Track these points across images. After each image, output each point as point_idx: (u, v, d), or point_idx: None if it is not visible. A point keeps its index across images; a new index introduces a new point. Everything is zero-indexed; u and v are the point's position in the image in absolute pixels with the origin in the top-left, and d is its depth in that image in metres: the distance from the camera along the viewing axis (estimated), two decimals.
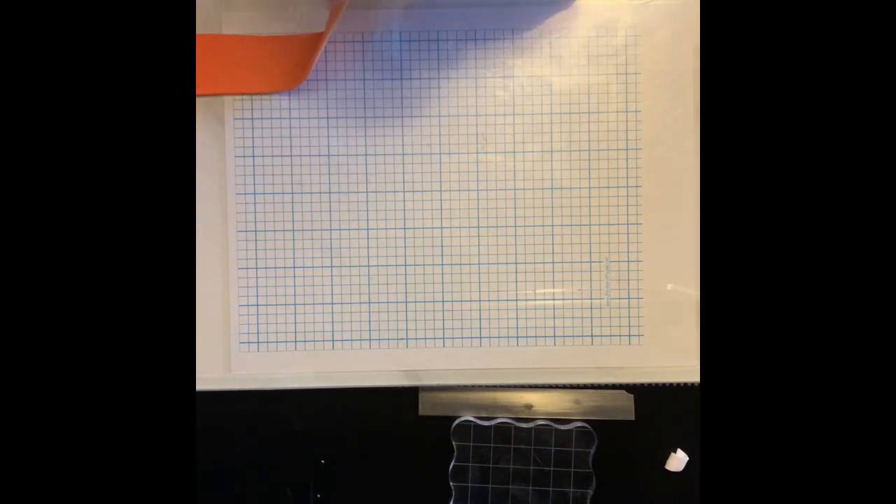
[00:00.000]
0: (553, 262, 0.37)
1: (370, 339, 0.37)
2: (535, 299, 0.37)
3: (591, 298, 0.37)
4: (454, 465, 0.38)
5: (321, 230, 0.37)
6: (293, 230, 0.37)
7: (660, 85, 0.37)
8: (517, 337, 0.37)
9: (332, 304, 0.37)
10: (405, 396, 0.38)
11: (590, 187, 0.37)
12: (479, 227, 0.37)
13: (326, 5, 0.37)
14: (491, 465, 0.38)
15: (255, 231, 0.37)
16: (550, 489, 0.38)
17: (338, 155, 0.37)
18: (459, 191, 0.37)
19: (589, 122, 0.37)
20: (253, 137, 0.37)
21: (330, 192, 0.37)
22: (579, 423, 0.38)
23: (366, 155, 0.37)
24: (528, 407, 0.38)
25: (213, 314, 0.37)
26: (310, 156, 0.37)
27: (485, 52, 0.37)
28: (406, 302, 0.37)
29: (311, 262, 0.37)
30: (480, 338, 0.37)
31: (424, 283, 0.37)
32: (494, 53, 0.37)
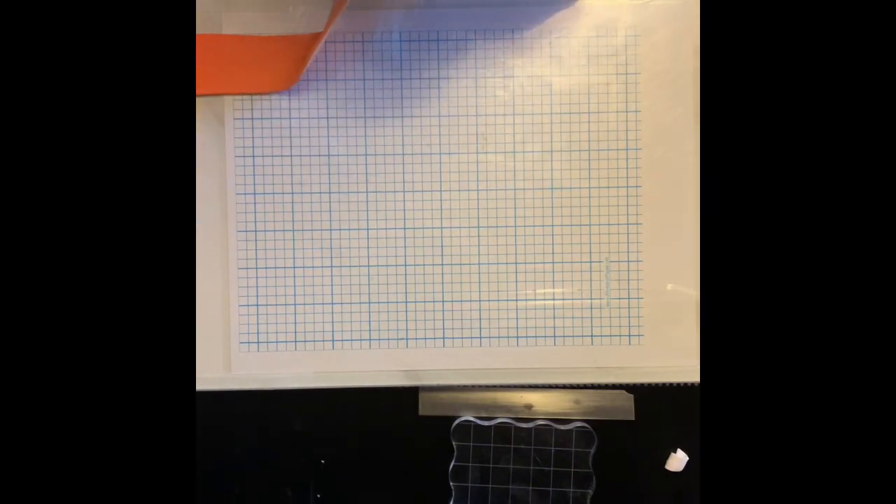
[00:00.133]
0: (553, 262, 0.37)
1: (370, 339, 0.37)
2: (535, 299, 0.37)
3: (591, 298, 0.37)
4: (454, 465, 0.38)
5: (321, 230, 0.37)
6: (293, 230, 0.37)
7: (660, 85, 0.37)
8: (517, 337, 0.37)
9: (332, 304, 0.37)
10: (405, 396, 0.38)
11: (590, 187, 0.37)
12: (479, 227, 0.37)
13: (326, 5, 0.37)
14: (491, 465, 0.38)
15: (255, 231, 0.37)
16: (550, 489, 0.38)
17: (338, 155, 0.37)
18: (459, 191, 0.37)
19: (589, 122, 0.37)
20: (253, 137, 0.37)
21: (330, 192, 0.37)
22: (579, 423, 0.38)
23: (366, 155, 0.37)
24: (528, 407, 0.38)
25: (213, 314, 0.37)
26: (310, 156, 0.37)
27: (485, 52, 0.37)
28: (406, 302, 0.37)
29: (311, 262, 0.37)
30: (480, 338, 0.37)
31: (424, 283, 0.37)
32: (494, 53, 0.37)
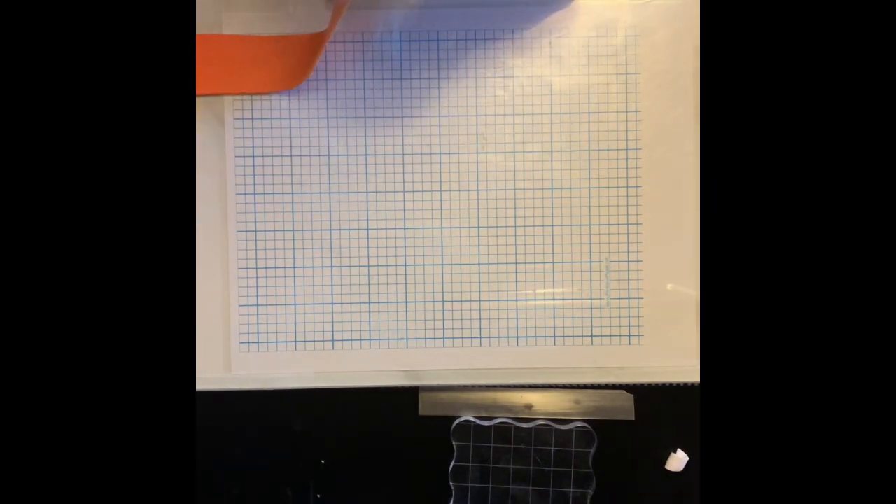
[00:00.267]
0: (553, 262, 0.37)
1: (370, 339, 0.37)
2: (535, 299, 0.37)
3: (591, 298, 0.37)
4: (454, 465, 0.38)
5: (321, 230, 0.37)
6: (293, 230, 0.37)
7: (660, 85, 0.37)
8: (517, 337, 0.37)
9: (332, 304, 0.37)
10: (405, 396, 0.38)
11: (590, 187, 0.37)
12: (479, 227, 0.37)
13: (327, 5, 0.37)
14: (491, 465, 0.38)
15: (255, 231, 0.37)
16: (550, 489, 0.38)
17: (338, 155, 0.37)
18: (459, 191, 0.37)
19: (589, 122, 0.37)
20: (253, 137, 0.37)
21: (330, 192, 0.37)
22: (579, 423, 0.38)
23: (366, 155, 0.37)
24: (528, 407, 0.38)
25: (213, 314, 0.37)
26: (310, 156, 0.37)
27: (485, 52, 0.37)
28: (406, 302, 0.37)
29: (311, 262, 0.37)
30: (480, 338, 0.37)
31: (424, 283, 0.37)
32: (494, 53, 0.37)
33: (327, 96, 0.37)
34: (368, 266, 0.37)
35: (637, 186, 0.37)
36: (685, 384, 0.37)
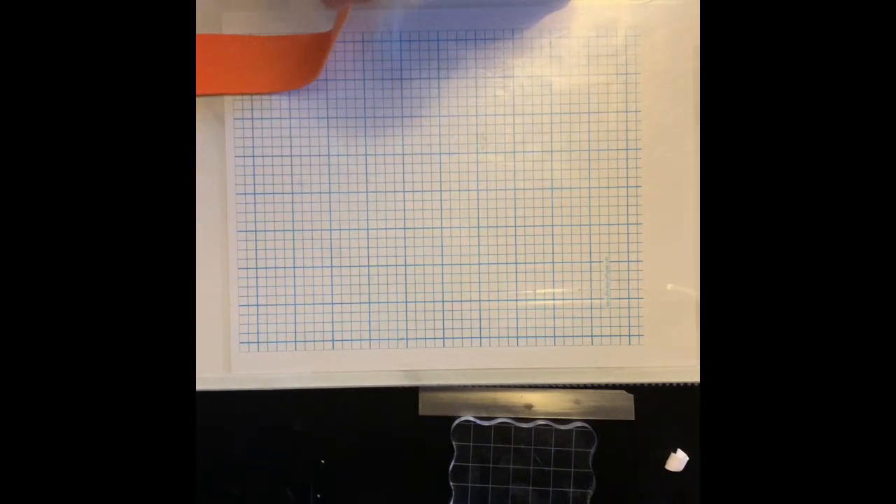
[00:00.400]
0: (553, 262, 0.37)
1: (370, 339, 0.37)
2: (535, 299, 0.37)
3: (591, 298, 0.37)
4: (454, 465, 0.38)
5: (321, 230, 0.37)
6: (293, 230, 0.37)
7: (660, 85, 0.37)
8: (517, 337, 0.37)
9: (332, 304, 0.37)
10: (405, 396, 0.38)
11: (590, 187, 0.37)
12: (479, 227, 0.37)
13: (317, 7, 0.37)
14: (491, 465, 0.38)
15: (255, 231, 0.37)
16: (550, 489, 0.38)
17: (338, 155, 0.37)
18: (459, 191, 0.37)
19: (589, 122, 0.37)
20: (253, 137, 0.37)
21: (330, 192, 0.37)
22: (579, 423, 0.38)
23: (366, 155, 0.37)
24: (528, 407, 0.38)
25: (213, 314, 0.37)
26: (310, 156, 0.37)
27: (485, 52, 0.37)
28: (406, 302, 0.37)
29: (311, 262, 0.37)
30: (480, 338, 0.37)
31: (424, 283, 0.37)
32: (494, 53, 0.37)
33: (327, 96, 0.37)
34: (368, 266, 0.37)
35: (637, 186, 0.37)
36: (685, 384, 0.37)
